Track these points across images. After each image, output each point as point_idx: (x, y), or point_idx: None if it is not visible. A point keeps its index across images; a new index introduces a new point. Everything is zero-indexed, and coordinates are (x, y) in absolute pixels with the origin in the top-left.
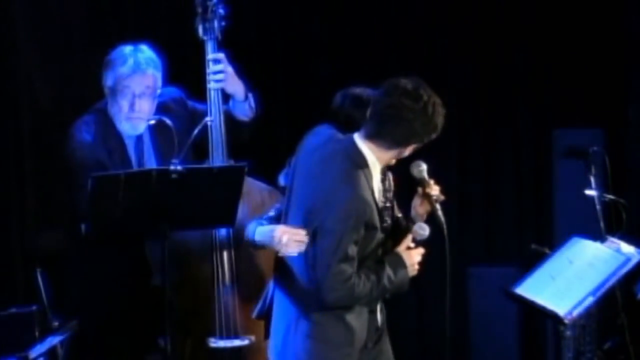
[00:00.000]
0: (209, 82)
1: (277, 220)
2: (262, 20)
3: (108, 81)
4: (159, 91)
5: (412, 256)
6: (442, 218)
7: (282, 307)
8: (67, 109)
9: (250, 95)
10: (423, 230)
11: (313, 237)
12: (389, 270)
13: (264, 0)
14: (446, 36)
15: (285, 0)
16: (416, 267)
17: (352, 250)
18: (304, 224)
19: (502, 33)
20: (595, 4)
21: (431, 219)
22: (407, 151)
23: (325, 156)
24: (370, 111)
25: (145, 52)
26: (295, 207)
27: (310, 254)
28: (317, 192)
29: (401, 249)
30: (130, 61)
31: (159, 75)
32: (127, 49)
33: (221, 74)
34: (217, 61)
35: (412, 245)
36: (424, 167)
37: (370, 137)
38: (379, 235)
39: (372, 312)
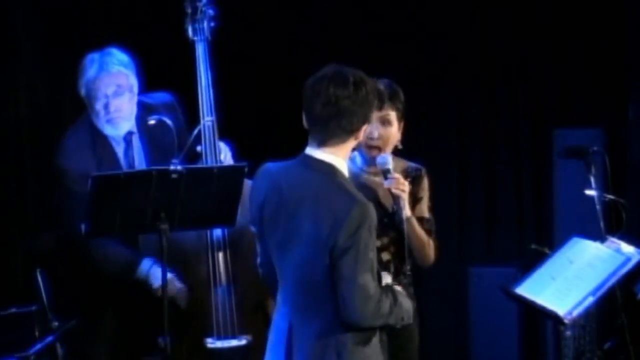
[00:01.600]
0: (203, 93)
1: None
2: (262, 20)
3: (81, 90)
4: (136, 89)
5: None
6: (403, 216)
7: (307, 347)
8: (67, 109)
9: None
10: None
11: (331, 259)
12: (400, 294)
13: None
14: (446, 36)
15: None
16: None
17: (370, 261)
18: (315, 255)
19: (502, 33)
20: (595, 3)
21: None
22: (361, 134)
23: (297, 184)
24: (307, 120)
25: (113, 53)
26: (294, 246)
27: (333, 279)
28: (318, 220)
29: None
30: (96, 64)
31: (129, 73)
32: (95, 55)
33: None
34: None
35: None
36: (388, 159)
37: (323, 143)
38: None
39: (381, 329)
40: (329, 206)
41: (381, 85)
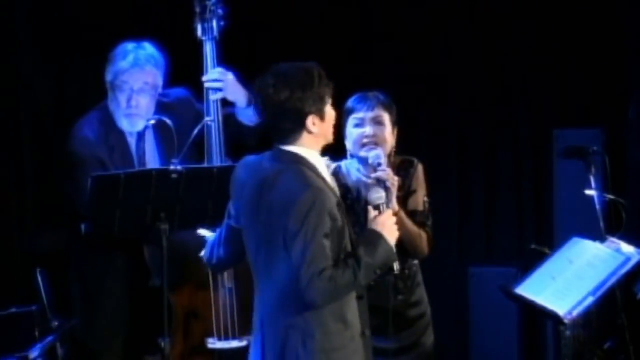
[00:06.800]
0: (208, 91)
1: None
2: (263, 19)
3: (109, 76)
4: (159, 90)
5: (382, 222)
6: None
7: (275, 337)
8: (67, 109)
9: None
10: (378, 193)
11: (285, 249)
12: (364, 247)
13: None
14: (447, 36)
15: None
16: (394, 229)
17: (320, 244)
18: (274, 241)
19: (502, 33)
20: (595, 3)
21: None
22: (316, 128)
23: (262, 176)
24: (266, 124)
25: (147, 49)
26: (259, 235)
27: (290, 268)
28: (274, 207)
29: (370, 220)
30: (131, 57)
31: (159, 73)
32: (130, 45)
33: (219, 83)
34: (214, 78)
35: (377, 213)
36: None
37: (283, 142)
38: (347, 230)
39: (361, 298)
40: (282, 191)
41: (372, 93)
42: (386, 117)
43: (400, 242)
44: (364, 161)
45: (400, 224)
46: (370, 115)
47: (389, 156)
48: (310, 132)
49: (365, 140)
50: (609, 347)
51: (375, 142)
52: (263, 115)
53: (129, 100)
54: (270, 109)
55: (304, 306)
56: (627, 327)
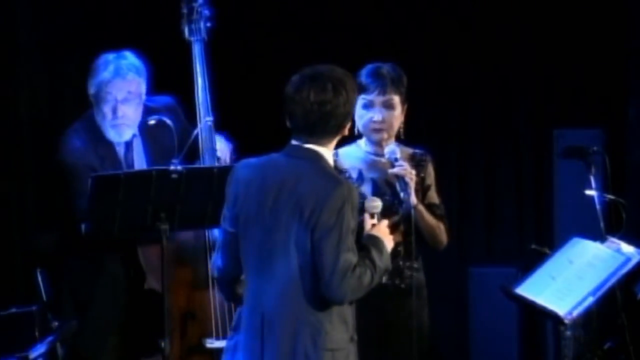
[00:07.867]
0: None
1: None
2: (262, 18)
3: (91, 89)
4: (143, 97)
5: (382, 229)
6: (412, 202)
7: (283, 332)
8: (67, 110)
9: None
10: (375, 202)
11: (311, 241)
12: (375, 251)
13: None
14: (446, 36)
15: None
16: (390, 238)
17: (351, 240)
18: (296, 238)
19: (502, 33)
20: (595, 4)
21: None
22: (347, 130)
23: (282, 172)
24: (290, 123)
25: (128, 58)
26: (275, 232)
27: (312, 261)
28: (301, 202)
29: (368, 229)
30: (111, 67)
31: (141, 81)
32: (110, 56)
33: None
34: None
35: (375, 221)
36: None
37: (307, 142)
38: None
39: (350, 303)
40: (311, 187)
41: (385, 69)
42: (396, 99)
43: (419, 234)
44: (372, 141)
45: (419, 217)
46: (380, 99)
47: (398, 134)
48: (343, 134)
49: (374, 125)
50: (609, 347)
51: (383, 127)
52: (301, 117)
53: (114, 111)
54: (317, 114)
55: (317, 302)
56: (627, 327)
